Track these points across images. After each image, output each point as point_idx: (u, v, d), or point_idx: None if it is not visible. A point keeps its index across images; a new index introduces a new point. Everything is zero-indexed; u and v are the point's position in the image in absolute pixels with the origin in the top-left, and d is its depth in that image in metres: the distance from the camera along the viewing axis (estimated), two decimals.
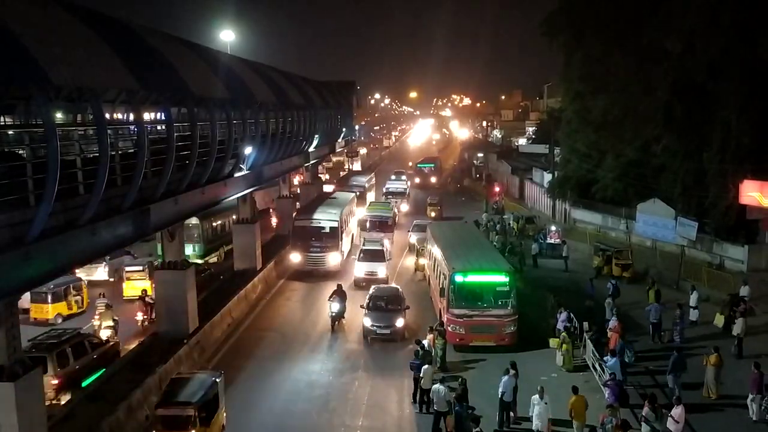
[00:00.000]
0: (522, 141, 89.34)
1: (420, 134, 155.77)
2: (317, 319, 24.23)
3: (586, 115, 38.97)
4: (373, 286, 24.59)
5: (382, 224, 35.53)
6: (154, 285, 22.35)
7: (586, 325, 20.65)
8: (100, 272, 28.22)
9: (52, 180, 11.29)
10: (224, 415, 15.48)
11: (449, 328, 20.55)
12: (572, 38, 38.72)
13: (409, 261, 33.22)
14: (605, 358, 17.80)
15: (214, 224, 32.51)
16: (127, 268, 27.00)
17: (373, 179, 52.74)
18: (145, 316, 23.09)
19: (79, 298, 24.73)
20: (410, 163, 75.44)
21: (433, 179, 65.88)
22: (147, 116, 19.67)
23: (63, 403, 16.26)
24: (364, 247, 29.91)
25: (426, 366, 17.03)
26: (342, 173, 65.26)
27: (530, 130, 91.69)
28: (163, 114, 19.97)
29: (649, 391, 16.86)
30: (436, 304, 23.64)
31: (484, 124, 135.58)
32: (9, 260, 11.12)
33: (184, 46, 22.87)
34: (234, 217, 30.05)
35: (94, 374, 17.84)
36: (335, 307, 22.96)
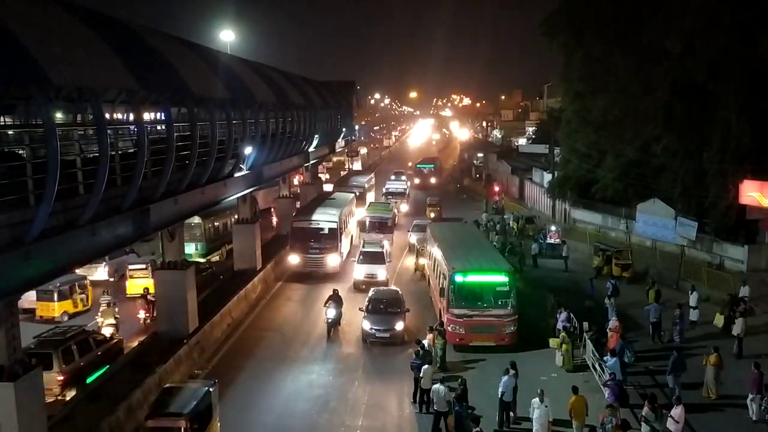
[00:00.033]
0: (522, 141, 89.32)
1: (420, 134, 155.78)
2: (317, 320, 24.19)
3: (586, 115, 38.97)
4: (372, 289, 24.30)
5: (382, 225, 35.31)
6: (154, 284, 22.40)
7: (586, 325, 20.66)
8: (100, 272, 28.29)
9: (52, 180, 11.29)
10: (218, 425, 14.94)
11: (449, 328, 20.56)
12: (572, 38, 38.71)
13: (409, 261, 33.23)
14: (605, 358, 17.80)
15: (216, 223, 32.67)
16: (130, 267, 27.36)
17: (373, 179, 52.62)
18: (148, 314, 23.24)
19: (84, 296, 25.02)
20: (410, 164, 75.37)
21: (433, 180, 65.63)
22: (147, 116, 19.68)
23: (67, 399, 16.41)
24: (363, 249, 29.49)
25: (426, 366, 17.03)
26: (342, 173, 65.24)
27: (530, 130, 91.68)
28: (163, 114, 19.97)
29: (649, 391, 16.86)
30: (436, 304, 23.63)
31: (484, 124, 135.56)
32: (9, 260, 11.11)
33: (184, 46, 22.86)
34: (236, 216, 30.09)
35: (98, 371, 18.07)
36: (331, 313, 22.39)
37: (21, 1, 12.84)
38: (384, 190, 51.63)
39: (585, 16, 37.40)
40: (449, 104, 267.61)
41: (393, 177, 57.58)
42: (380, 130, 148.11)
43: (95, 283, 26.82)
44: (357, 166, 73.58)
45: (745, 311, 21.59)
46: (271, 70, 34.34)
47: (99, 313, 22.37)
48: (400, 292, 24.27)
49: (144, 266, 26.83)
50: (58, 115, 19.33)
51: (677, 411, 14.49)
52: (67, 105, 18.59)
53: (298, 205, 39.15)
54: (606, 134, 37.27)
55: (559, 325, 20.66)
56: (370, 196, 47.94)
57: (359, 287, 27.48)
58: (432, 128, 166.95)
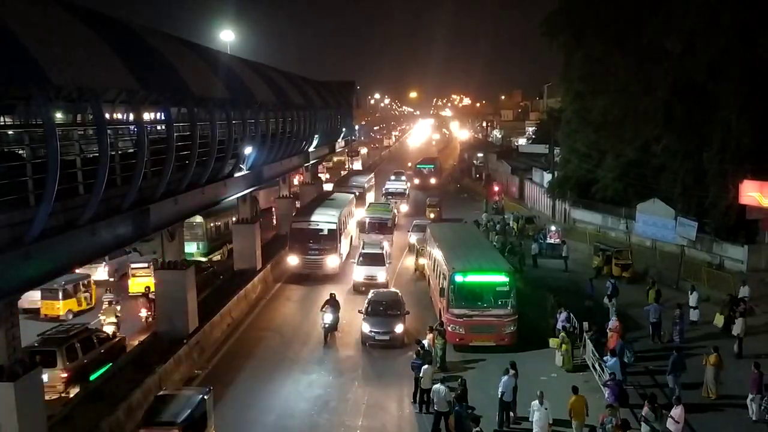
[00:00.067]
0: (522, 141, 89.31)
1: (420, 134, 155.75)
2: (316, 321, 24.12)
3: (586, 115, 38.96)
4: (372, 291, 24.00)
5: (382, 226, 35.02)
6: (154, 284, 22.45)
7: (585, 325, 20.66)
8: (100, 272, 28.30)
9: (52, 180, 11.29)
10: None
11: (449, 328, 20.55)
12: (572, 38, 38.71)
13: (409, 261, 33.22)
14: (605, 358, 17.80)
15: (218, 223, 32.74)
16: (133, 265, 27.54)
17: (373, 179, 52.43)
18: (149, 313, 23.28)
19: (87, 294, 25.19)
20: (409, 164, 75.28)
21: (433, 180, 65.30)
22: (147, 116, 19.69)
23: (70, 396, 16.51)
24: (363, 251, 29.16)
25: (426, 366, 17.03)
26: (343, 172, 65.18)
27: (530, 130, 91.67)
28: (162, 114, 19.97)
29: (648, 391, 16.86)
30: (436, 304, 23.63)
31: (484, 124, 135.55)
32: (9, 260, 11.12)
33: (184, 46, 22.88)
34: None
35: (101, 368, 18.17)
36: (328, 318, 21.73)
37: (21, 1, 12.84)
38: (384, 191, 51.52)
39: (585, 16, 37.40)
40: (449, 104, 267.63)
41: (393, 177, 57.45)
42: (380, 130, 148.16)
43: (96, 283, 26.84)
44: (357, 165, 73.54)
45: (745, 311, 21.60)
46: (271, 70, 34.36)
47: (101, 312, 22.57)
48: (399, 294, 23.94)
49: (146, 265, 26.95)
50: (58, 115, 19.33)
51: (677, 411, 14.49)
52: (67, 105, 18.60)
53: (298, 204, 39.14)
54: (606, 134, 37.26)
55: (559, 325, 20.66)
56: (370, 197, 47.77)
57: (359, 289, 27.17)
58: (432, 128, 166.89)
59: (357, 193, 41.01)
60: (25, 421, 11.82)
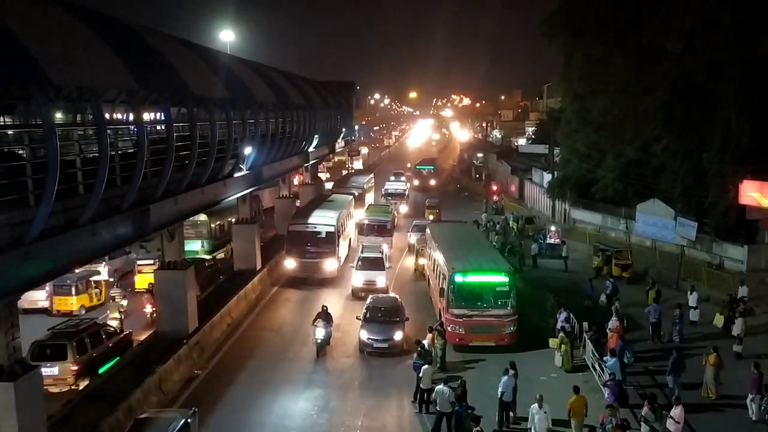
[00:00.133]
0: (522, 141, 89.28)
1: (419, 134, 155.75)
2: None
3: (586, 115, 38.97)
4: (370, 296, 23.40)
5: (381, 228, 34.21)
6: (154, 284, 22.53)
7: (585, 325, 20.66)
8: (101, 271, 28.31)
9: (52, 180, 11.30)
10: None
11: (449, 328, 20.54)
12: (572, 38, 38.73)
13: (409, 261, 33.22)
14: (605, 359, 17.80)
15: (222, 222, 32.93)
16: (139, 262, 28.00)
17: (372, 180, 52.11)
18: (154, 308, 23.37)
19: (98, 290, 25.58)
20: (408, 165, 75.17)
21: (433, 182, 64.70)
22: (147, 116, 19.69)
23: (80, 389, 16.82)
24: (362, 255, 28.24)
25: (426, 366, 17.03)
26: (344, 171, 65.13)
27: (530, 130, 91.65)
28: (162, 114, 19.98)
29: (648, 391, 16.84)
30: (436, 304, 23.62)
31: (484, 124, 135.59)
32: (9, 260, 11.13)
33: (184, 46, 22.88)
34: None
35: (109, 362, 18.60)
36: (320, 333, 20.46)
37: (21, 1, 12.85)
38: (383, 191, 51.42)
39: (585, 16, 37.41)
40: (449, 104, 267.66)
41: (392, 178, 57.29)
42: (380, 130, 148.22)
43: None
44: (358, 165, 73.53)
45: (744, 311, 21.60)
46: (271, 70, 34.37)
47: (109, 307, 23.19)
48: (399, 299, 23.32)
49: (152, 261, 27.10)
50: (58, 115, 19.34)
51: (677, 411, 14.49)
52: (67, 105, 18.60)
53: (298, 203, 39.07)
54: (606, 134, 37.27)
55: (559, 326, 20.65)
56: (370, 197, 47.56)
57: (358, 295, 26.43)
58: (432, 128, 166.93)
59: (356, 194, 40.71)
60: (24, 421, 11.83)
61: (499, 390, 15.85)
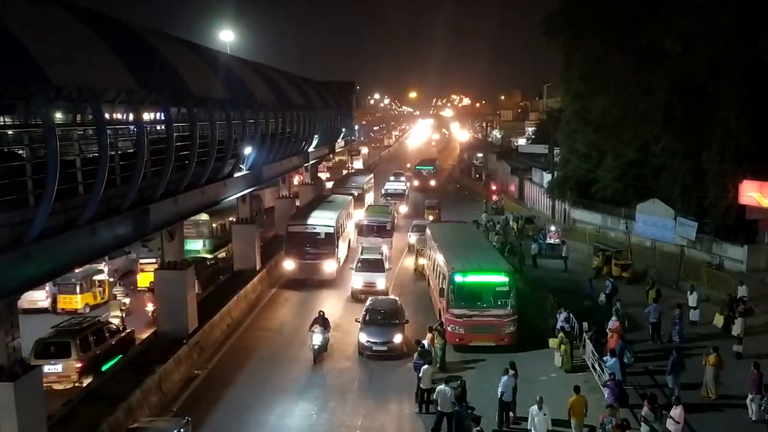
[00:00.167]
0: (521, 141, 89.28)
1: (419, 135, 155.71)
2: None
3: (586, 115, 38.97)
4: (369, 298, 23.12)
5: (381, 229, 33.67)
6: (154, 284, 22.57)
7: (585, 325, 20.66)
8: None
9: (52, 180, 11.29)
10: None
11: (449, 328, 20.53)
12: (572, 38, 38.75)
13: (409, 261, 33.21)
14: (605, 359, 17.80)
15: (223, 221, 33.06)
16: (141, 260, 28.17)
17: (372, 180, 51.97)
18: (155, 307, 23.39)
19: (101, 288, 25.77)
20: (408, 165, 75.08)
21: (432, 182, 64.42)
22: (146, 116, 19.69)
23: (84, 386, 16.90)
24: (361, 256, 27.84)
25: (426, 366, 17.02)
26: (344, 171, 65.09)
27: (530, 130, 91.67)
28: (162, 114, 19.98)
29: (648, 391, 16.84)
30: (436, 305, 23.61)
31: (484, 124, 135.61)
32: (9, 260, 11.12)
33: (184, 46, 22.89)
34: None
35: (112, 359, 18.76)
36: (317, 339, 19.88)
37: (21, 1, 12.85)
38: (383, 191, 51.34)
39: (585, 16, 37.42)
40: (449, 104, 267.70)
41: (392, 178, 57.15)
42: (380, 130, 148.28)
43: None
44: (358, 164, 73.50)
45: (744, 311, 21.60)
46: (271, 70, 34.37)
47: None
48: (399, 301, 23.05)
49: (154, 260, 27.13)
50: (58, 115, 19.35)
51: (677, 411, 14.48)
52: (67, 105, 18.61)
53: (298, 202, 39.02)
54: (606, 134, 37.28)
55: (559, 326, 20.65)
56: (369, 198, 47.47)
57: (357, 297, 26.11)
58: (431, 128, 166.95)
59: (356, 194, 40.62)
60: (24, 421, 11.83)
61: (499, 390, 15.85)
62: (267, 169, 29.55)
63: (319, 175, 52.54)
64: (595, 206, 39.24)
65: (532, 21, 48.85)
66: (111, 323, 20.90)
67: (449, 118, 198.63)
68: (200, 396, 17.65)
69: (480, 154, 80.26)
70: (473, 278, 21.39)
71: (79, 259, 14.18)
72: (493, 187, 53.26)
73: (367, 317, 21.21)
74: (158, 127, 20.96)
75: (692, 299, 23.38)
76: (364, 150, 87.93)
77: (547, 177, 45.84)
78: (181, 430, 13.54)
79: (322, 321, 20.50)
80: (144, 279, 27.21)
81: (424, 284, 28.27)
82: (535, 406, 14.62)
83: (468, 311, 20.71)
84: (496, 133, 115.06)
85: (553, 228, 36.54)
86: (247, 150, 24.43)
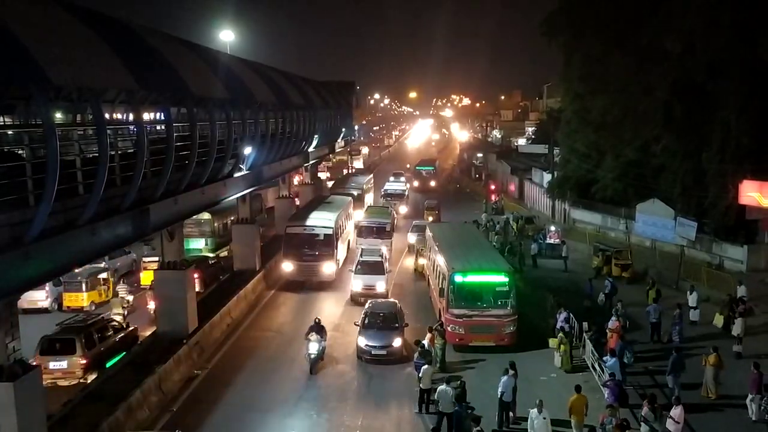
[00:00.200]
0: (521, 141, 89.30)
1: (419, 134, 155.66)
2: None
3: (586, 116, 38.98)
4: (368, 301, 22.75)
5: (380, 231, 33.13)
6: (154, 284, 22.57)
7: (585, 325, 20.66)
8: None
9: (52, 180, 11.29)
10: None
11: (449, 328, 20.52)
12: (572, 38, 38.76)
13: (409, 261, 33.20)
14: (605, 359, 17.80)
15: (225, 220, 33.27)
16: (145, 259, 28.28)
17: (372, 180, 51.84)
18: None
19: (106, 286, 25.98)
20: (408, 165, 75.01)
21: (432, 183, 64.12)
22: (146, 116, 19.69)
23: (88, 382, 17.02)
24: (361, 259, 27.31)
25: (425, 366, 17.02)
26: (345, 171, 65.03)
27: (530, 130, 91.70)
28: (162, 114, 19.97)
29: (648, 391, 16.84)
30: (436, 305, 23.61)
31: (484, 124, 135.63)
32: (9, 260, 11.13)
33: (184, 46, 22.90)
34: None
35: (116, 356, 18.96)
36: (313, 347, 19.23)
37: (21, 1, 12.85)
38: (383, 192, 51.26)
39: (585, 16, 37.44)
40: (449, 104, 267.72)
41: (392, 178, 57.09)
42: (380, 130, 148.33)
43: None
44: (358, 164, 73.50)
45: (744, 311, 21.60)
46: (271, 70, 34.38)
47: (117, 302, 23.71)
48: (398, 304, 22.65)
49: (157, 258, 27.13)
50: (58, 115, 19.35)
51: (677, 411, 14.48)
52: (67, 105, 18.61)
53: (297, 202, 38.99)
54: (605, 134, 37.29)
55: (559, 326, 20.65)
56: (369, 198, 47.37)
57: (357, 300, 25.68)
58: (431, 128, 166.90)
59: (355, 194, 40.53)
60: (24, 421, 11.82)
61: (499, 390, 15.84)
62: (267, 169, 29.56)
63: (319, 175, 52.49)
64: (595, 206, 39.25)
65: (532, 21, 48.93)
66: (115, 320, 21.08)
67: (449, 118, 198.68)
68: (200, 396, 17.65)
69: (480, 154, 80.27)
70: (473, 278, 21.38)
71: (79, 259, 14.18)
72: (493, 187, 53.23)
73: (366, 321, 20.85)
74: (158, 127, 20.96)
75: (692, 299, 23.38)
76: (365, 150, 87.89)
77: (547, 177, 45.84)
78: None
79: (318, 328, 19.91)
80: (147, 277, 27.23)
81: (424, 284, 28.26)
82: (535, 410, 14.50)
83: (468, 311, 20.70)
84: (496, 133, 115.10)
85: (553, 228, 36.54)
86: (247, 150, 24.43)
